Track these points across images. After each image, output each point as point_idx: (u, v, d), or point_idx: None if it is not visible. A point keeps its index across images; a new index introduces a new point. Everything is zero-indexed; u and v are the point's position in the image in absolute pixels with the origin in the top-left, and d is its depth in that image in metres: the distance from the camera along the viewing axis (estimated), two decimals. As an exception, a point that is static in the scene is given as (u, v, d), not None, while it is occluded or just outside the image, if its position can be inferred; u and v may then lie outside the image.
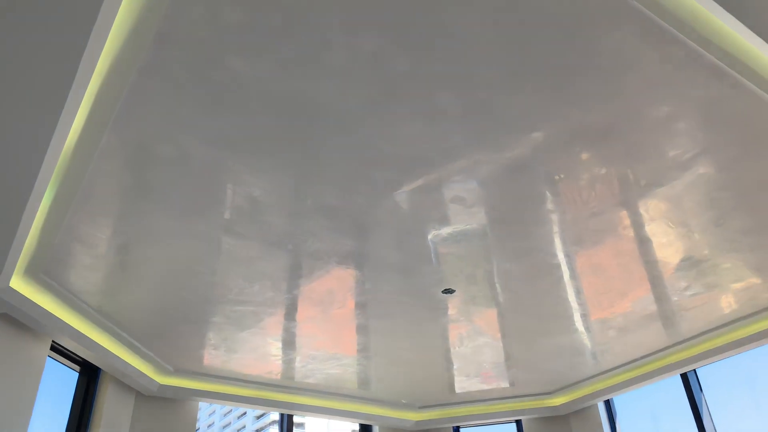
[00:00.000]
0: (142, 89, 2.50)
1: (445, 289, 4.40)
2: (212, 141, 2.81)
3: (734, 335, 5.39)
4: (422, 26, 2.29)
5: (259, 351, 5.26)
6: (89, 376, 5.06)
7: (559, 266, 4.17)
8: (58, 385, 4.98)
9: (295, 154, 2.93)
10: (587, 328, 5.27)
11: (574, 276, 4.33)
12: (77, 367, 4.99)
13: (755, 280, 4.51)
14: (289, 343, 5.18)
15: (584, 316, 5.01)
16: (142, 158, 2.92)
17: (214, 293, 4.21)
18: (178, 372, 5.55)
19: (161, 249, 3.66)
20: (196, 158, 2.92)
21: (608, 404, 6.98)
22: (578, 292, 4.58)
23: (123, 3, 2.10)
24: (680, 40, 2.38)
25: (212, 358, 5.38)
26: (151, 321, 4.59)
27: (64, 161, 2.85)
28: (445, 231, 3.68)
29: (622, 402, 6.86)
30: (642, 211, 3.59)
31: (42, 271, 3.77)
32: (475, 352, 5.68)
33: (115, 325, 4.59)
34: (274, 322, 4.74)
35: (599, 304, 4.80)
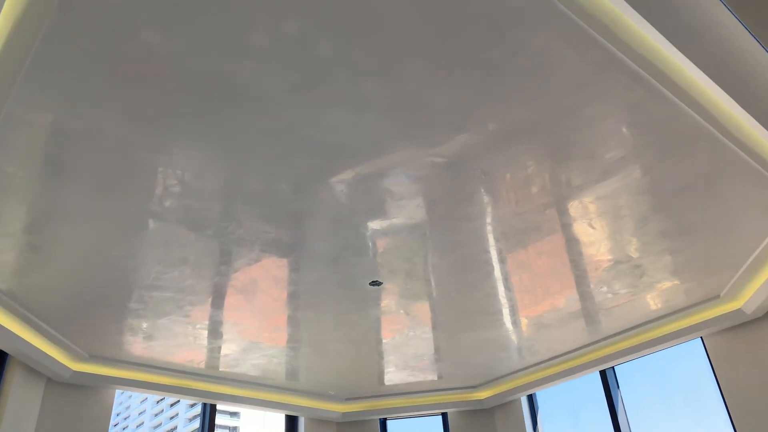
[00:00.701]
0: (46, 59, 2.34)
1: (373, 281, 4.37)
2: (126, 117, 2.67)
3: (651, 334, 5.62)
4: (348, 12, 2.23)
5: (180, 338, 5.10)
6: (-5, 361, 4.78)
7: (487, 262, 4.22)
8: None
9: (215, 136, 2.82)
10: (513, 324, 5.37)
11: (502, 272, 4.39)
12: (-19, 352, 4.70)
13: (672, 282, 4.70)
14: (212, 332, 5.04)
15: (511, 312, 5.10)
16: (50, 132, 2.74)
17: (131, 277, 4.04)
18: (94, 358, 5.32)
19: (74, 229, 3.47)
20: (109, 134, 2.77)
21: (531, 399, 7.16)
22: (506, 288, 4.65)
23: (23, -37, 1.95)
24: (601, 44, 2.42)
25: (130, 344, 5.18)
26: (64, 305, 4.36)
27: (-38, 131, 2.65)
28: (374, 223, 3.65)
29: (544, 396, 7.05)
30: (568, 210, 3.66)
31: (-60, 248, 3.52)
32: (404, 345, 5.70)
33: (24, 308, 4.34)
34: (196, 310, 4.59)
35: (526, 300, 4.90)
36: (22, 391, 4.86)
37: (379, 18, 2.27)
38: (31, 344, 4.66)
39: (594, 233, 3.91)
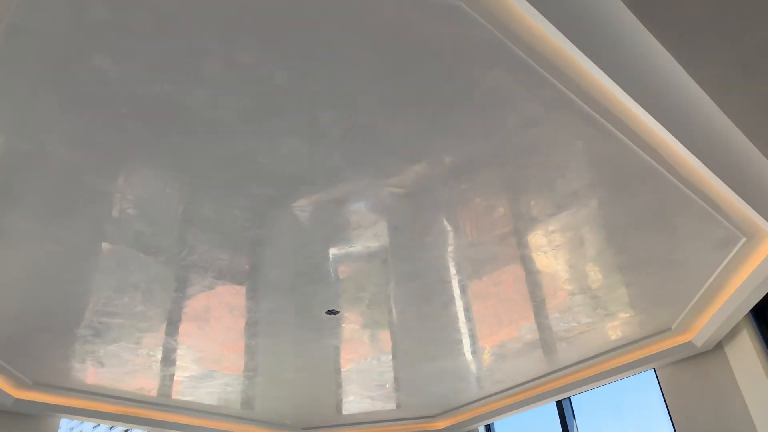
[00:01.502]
0: (-8, 80, 2.29)
1: (330, 310, 4.33)
2: (75, 142, 2.62)
3: (606, 365, 5.69)
4: (304, 45, 2.24)
5: (130, 365, 4.95)
6: (-68, 388, 4.56)
7: (446, 291, 4.23)
8: None
9: (168, 161, 2.78)
10: (473, 353, 5.37)
11: (461, 301, 4.40)
12: None
13: (627, 314, 4.78)
14: (164, 359, 4.91)
15: (471, 342, 5.11)
16: (-5, 154, 2.67)
17: (79, 303, 3.92)
18: (38, 385, 5.12)
19: (19, 253, 3.36)
20: (57, 158, 2.70)
21: (489, 429, 7.14)
22: (464, 318, 4.66)
23: (-31, -16, 1.91)
24: (552, 84, 2.48)
25: (78, 371, 5.00)
26: (6, 330, 4.20)
27: None
28: (332, 251, 3.63)
29: (501, 427, 7.04)
30: (525, 241, 3.70)
31: None
32: (362, 374, 5.64)
33: (-36, 333, 4.17)
34: (148, 337, 4.48)
35: (485, 330, 4.91)
36: (-41, 420, 4.64)
37: (335, 52, 2.28)
38: (-29, 371, 4.46)
39: (551, 264, 3.96)
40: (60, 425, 5.52)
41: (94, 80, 2.33)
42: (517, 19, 2.18)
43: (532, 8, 2.08)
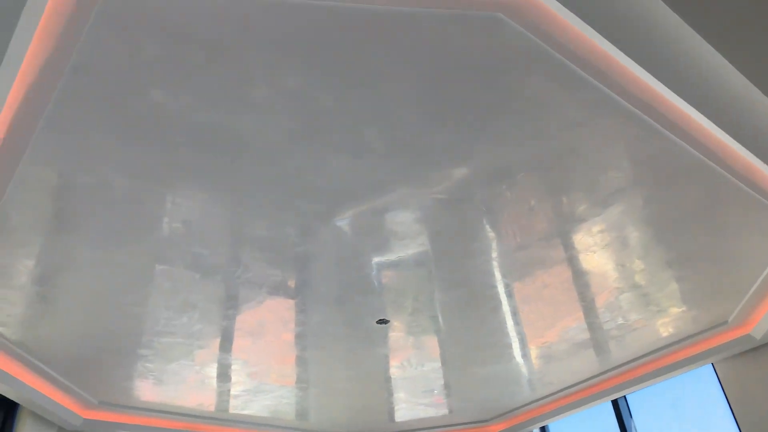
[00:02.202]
0: (58, 119, 2.43)
1: (380, 320, 4.39)
2: (134, 171, 2.75)
3: (661, 362, 5.59)
4: (346, 66, 2.32)
5: (189, 382, 5.10)
6: (6, 411, 4.79)
7: (493, 296, 4.24)
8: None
9: (221, 185, 2.89)
10: (523, 357, 5.35)
11: (509, 306, 4.41)
12: (-7, 402, 4.72)
13: (680, 310, 4.70)
14: (221, 375, 5.05)
15: (520, 345, 5.10)
16: (60, 188, 2.82)
17: (140, 325, 4.08)
18: (104, 405, 5.32)
19: (84, 280, 3.53)
20: (118, 188, 2.84)
21: (544, 431, 7.08)
22: (513, 322, 4.66)
23: (36, 33, 2.04)
24: (594, 86, 2.49)
25: (140, 390, 5.18)
26: (74, 353, 4.39)
27: (-24, 190, 2.73)
28: (379, 262, 3.69)
29: (557, 428, 6.97)
30: (571, 242, 3.70)
31: (-47, 303, 3.57)
32: (413, 381, 5.68)
33: (34, 358, 4.37)
34: (205, 354, 4.61)
35: (534, 332, 4.90)
36: (33, 441, 4.86)
37: (376, 69, 2.35)
38: (42, 394, 4.67)
39: (599, 264, 3.94)
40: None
41: (150, 112, 2.45)
42: (556, 25, 2.21)
43: (571, 13, 2.11)
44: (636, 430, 6.05)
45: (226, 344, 4.52)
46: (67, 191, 2.84)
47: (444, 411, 6.64)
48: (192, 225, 3.15)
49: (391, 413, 6.56)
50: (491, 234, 3.52)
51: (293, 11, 2.10)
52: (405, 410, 6.47)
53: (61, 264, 3.36)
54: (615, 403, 6.22)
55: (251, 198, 2.99)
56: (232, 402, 5.70)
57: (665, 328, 5.02)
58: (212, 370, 4.93)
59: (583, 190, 3.18)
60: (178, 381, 5.05)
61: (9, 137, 2.47)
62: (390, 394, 5.97)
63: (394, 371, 5.40)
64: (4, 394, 4.52)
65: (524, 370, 5.69)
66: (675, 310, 4.71)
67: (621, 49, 2.27)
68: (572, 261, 3.90)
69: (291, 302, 4.04)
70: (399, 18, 2.16)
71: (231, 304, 3.96)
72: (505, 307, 4.41)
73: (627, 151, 2.91)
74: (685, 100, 2.51)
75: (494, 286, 4.11)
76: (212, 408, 5.78)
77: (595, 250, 3.76)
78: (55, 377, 4.64)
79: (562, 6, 2.09)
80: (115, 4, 2.01)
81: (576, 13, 2.10)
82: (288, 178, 2.88)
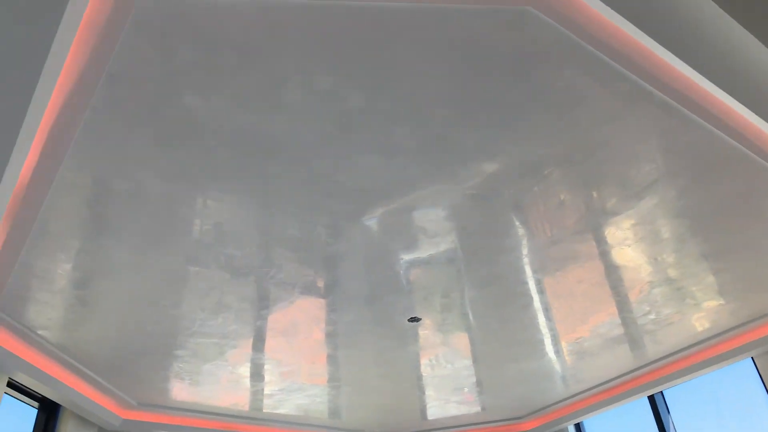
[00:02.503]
0: (95, 126, 2.48)
1: (412, 318, 4.39)
2: (168, 175, 2.80)
3: (700, 356, 5.48)
4: (376, 66, 2.32)
5: (224, 382, 5.17)
6: (48, 412, 4.91)
7: (525, 293, 4.21)
8: (16, 422, 4.83)
9: (254, 187, 2.92)
10: (556, 353, 5.30)
11: (540, 302, 4.37)
12: (36, 404, 4.84)
13: (718, 302, 4.60)
14: (255, 375, 5.10)
15: (552, 341, 5.05)
16: (98, 193, 2.88)
17: (176, 326, 4.15)
18: (142, 406, 5.42)
19: (121, 283, 3.60)
20: (153, 192, 2.89)
21: (578, 427, 7.00)
22: (545, 318, 4.62)
23: (73, 42, 2.09)
24: (626, 77, 2.45)
25: (177, 390, 5.27)
26: (112, 355, 4.49)
27: (17, 198, 2.80)
28: (409, 260, 3.69)
29: (592, 425, 6.89)
30: (604, 237, 3.65)
31: (-3, 308, 3.68)
32: (445, 379, 5.66)
33: (75, 360, 4.48)
34: (239, 354, 4.67)
35: (566, 328, 4.84)
36: (75, 441, 4.98)
37: (406, 68, 2.35)
38: (83, 395, 4.78)
39: (633, 258, 3.88)
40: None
41: (184, 117, 2.49)
42: (588, 17, 2.18)
43: (602, 4, 2.08)
44: (674, 425, 5.95)
45: (259, 344, 4.57)
46: (104, 196, 2.90)
47: (476, 408, 6.62)
48: (225, 227, 3.19)
49: (423, 411, 6.56)
50: (522, 230, 3.49)
51: (322, 13, 2.11)
52: (437, 408, 6.46)
53: (100, 268, 3.43)
54: (652, 398, 6.12)
55: (283, 199, 3.01)
56: (266, 401, 5.76)
57: (702, 321, 4.92)
58: (246, 370, 4.99)
59: (616, 183, 3.14)
60: (213, 381, 5.12)
61: (49, 145, 2.53)
62: (422, 392, 5.97)
63: (425, 369, 5.40)
64: (47, 395, 4.64)
65: (557, 366, 5.63)
66: (712, 304, 4.61)
67: (656, 39, 2.23)
68: (605, 255, 3.85)
69: (323, 301, 4.06)
70: (428, 15, 2.15)
71: (264, 305, 4.00)
72: (537, 303, 4.37)
73: (661, 142, 2.86)
74: (723, 89, 2.45)
75: (526, 282, 4.08)
76: (246, 407, 5.85)
77: (628, 243, 3.70)
78: (95, 379, 4.74)
79: (593, -3, 2.06)
80: (149, 12, 2.05)
81: (608, 4, 2.07)
82: (319, 179, 2.90)
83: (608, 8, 2.09)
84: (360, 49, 2.25)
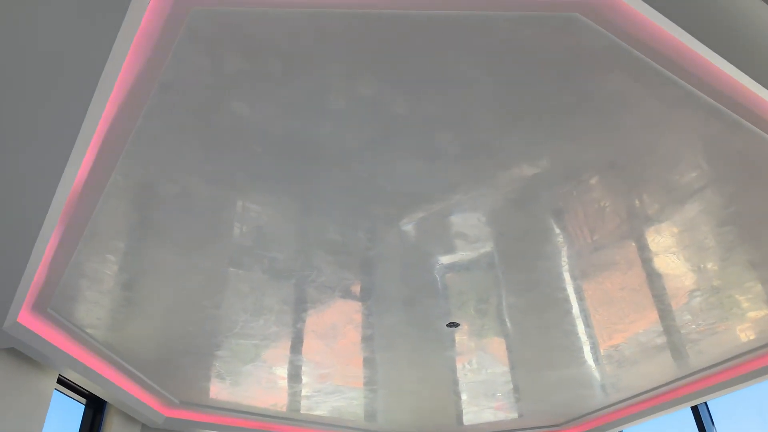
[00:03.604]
0: (147, 133, 2.57)
1: (450, 323, 4.39)
2: (215, 180, 2.87)
3: (746, 367, 5.32)
4: (420, 72, 2.34)
5: (263, 383, 5.25)
6: (95, 409, 5.07)
7: (565, 300, 4.16)
8: (65, 417, 5.00)
9: (297, 192, 2.97)
10: (595, 361, 5.22)
11: (581, 309, 4.31)
12: (83, 400, 5.00)
13: (765, 312, 4.47)
14: (293, 376, 5.17)
15: (592, 349, 4.98)
16: (147, 197, 2.97)
17: (218, 327, 4.23)
18: (184, 404, 5.55)
19: (166, 284, 3.70)
20: (200, 197, 2.97)
21: (619, 437, 6.87)
22: (585, 325, 4.55)
23: (129, 50, 2.16)
24: (675, 82, 2.42)
25: (218, 390, 5.37)
26: (156, 354, 4.61)
27: (72, 201, 2.91)
28: (449, 265, 3.69)
29: (632, 434, 6.76)
30: (647, 244, 3.59)
31: (50, 307, 3.81)
32: (482, 385, 5.63)
33: (121, 359, 4.61)
34: (279, 355, 4.74)
35: (607, 336, 4.77)
36: (119, 437, 5.12)
37: (450, 74, 2.36)
38: (128, 393, 4.92)
39: (677, 266, 3.80)
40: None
41: (232, 124, 2.55)
42: (635, 22, 2.16)
43: (650, 8, 2.06)
44: (718, 437, 5.79)
45: (298, 346, 4.63)
46: (152, 200, 2.99)
47: (514, 415, 6.55)
48: (267, 230, 3.25)
49: (459, 416, 6.53)
50: (563, 236, 3.46)
51: (368, 20, 2.14)
52: (474, 413, 6.43)
53: (146, 269, 3.54)
54: (695, 409, 5.97)
55: (325, 203, 3.06)
56: (303, 402, 5.83)
57: (750, 331, 4.78)
58: (284, 371, 5.06)
59: (660, 189, 3.09)
60: (253, 382, 5.20)
61: (103, 151, 2.63)
62: (459, 397, 5.94)
63: (463, 374, 5.38)
64: (94, 392, 4.79)
65: (597, 373, 5.54)
66: (760, 314, 4.48)
67: (704, 42, 2.19)
68: (649, 263, 3.77)
69: (361, 305, 4.10)
70: (473, 22, 2.16)
71: (303, 307, 4.05)
72: (579, 309, 4.32)
73: (709, 147, 2.80)
74: (774, 93, 2.40)
75: (565, 289, 4.03)
76: (284, 408, 5.93)
77: (673, 251, 3.63)
78: (139, 377, 4.87)
79: (640, 2, 2.04)
80: (202, 21, 2.11)
81: (655, 8, 2.05)
82: (361, 184, 2.93)
83: (656, 12, 2.07)
84: (405, 56, 2.28)
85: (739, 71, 2.30)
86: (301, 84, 2.38)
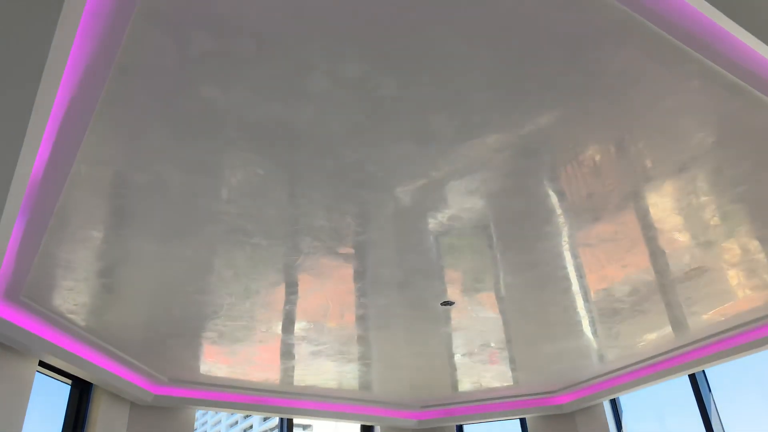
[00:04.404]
0: (107, 119, 2.32)
1: (445, 302, 4.23)
2: (189, 167, 2.63)
3: (744, 337, 5.23)
4: (411, 50, 2.09)
5: (254, 361, 5.13)
6: (81, 389, 4.95)
7: (565, 277, 4.00)
8: (50, 397, 4.88)
9: (279, 178, 2.74)
10: (593, 333, 5.11)
11: (580, 286, 4.16)
12: (69, 381, 4.87)
13: (763, 281, 4.33)
14: (285, 354, 5.04)
15: (590, 323, 4.85)
16: (117, 185, 2.74)
17: (204, 310, 4.06)
18: (173, 382, 5.44)
19: (146, 271, 3.50)
20: (174, 184, 2.74)
21: (614, 403, 6.86)
22: (584, 300, 4.41)
23: (77, 34, 1.90)
24: (689, 56, 2.18)
25: (207, 368, 5.25)
26: (142, 337, 4.45)
27: (33, 191, 2.68)
28: (443, 247, 3.50)
29: (628, 400, 6.74)
30: (653, 222, 3.40)
31: (22, 294, 3.62)
32: (478, 358, 5.54)
33: (105, 342, 4.46)
34: (270, 335, 4.59)
35: (606, 309, 4.63)
36: (109, 416, 5.03)
37: (445, 52, 2.11)
38: (113, 374, 4.79)
39: (681, 242, 3.62)
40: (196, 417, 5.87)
41: (203, 108, 2.30)
42: (653, -6, 1.90)
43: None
44: (715, 405, 5.75)
45: (290, 326, 4.48)
46: (123, 188, 2.76)
47: (509, 383, 6.50)
48: (251, 217, 3.03)
49: (455, 385, 6.48)
50: (566, 217, 3.26)
51: (350, -7, 1.88)
52: (469, 383, 6.37)
53: (123, 257, 3.33)
54: (692, 377, 5.91)
55: (310, 190, 2.83)
56: (297, 377, 5.73)
57: (748, 302, 4.66)
58: (277, 350, 4.93)
59: (671, 169, 2.88)
60: (244, 359, 5.08)
61: (60, 140, 2.38)
62: (454, 369, 5.86)
63: (458, 349, 5.26)
64: (78, 375, 4.65)
65: (595, 345, 5.44)
66: (758, 282, 4.34)
67: (725, 13, 1.94)
68: (652, 242, 3.60)
69: (355, 287, 3.92)
70: (469, -6, 1.90)
71: (293, 290, 3.87)
72: (577, 287, 4.17)
73: (725, 125, 2.58)
74: (803, 69, 2.17)
75: (566, 268, 3.87)
76: (277, 382, 5.84)
77: (679, 229, 3.45)
78: (125, 358, 4.73)
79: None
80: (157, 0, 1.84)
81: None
82: (349, 169, 2.70)
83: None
84: (393, 33, 2.02)
85: (763, 44, 2.06)
86: (277, 65, 2.12)
